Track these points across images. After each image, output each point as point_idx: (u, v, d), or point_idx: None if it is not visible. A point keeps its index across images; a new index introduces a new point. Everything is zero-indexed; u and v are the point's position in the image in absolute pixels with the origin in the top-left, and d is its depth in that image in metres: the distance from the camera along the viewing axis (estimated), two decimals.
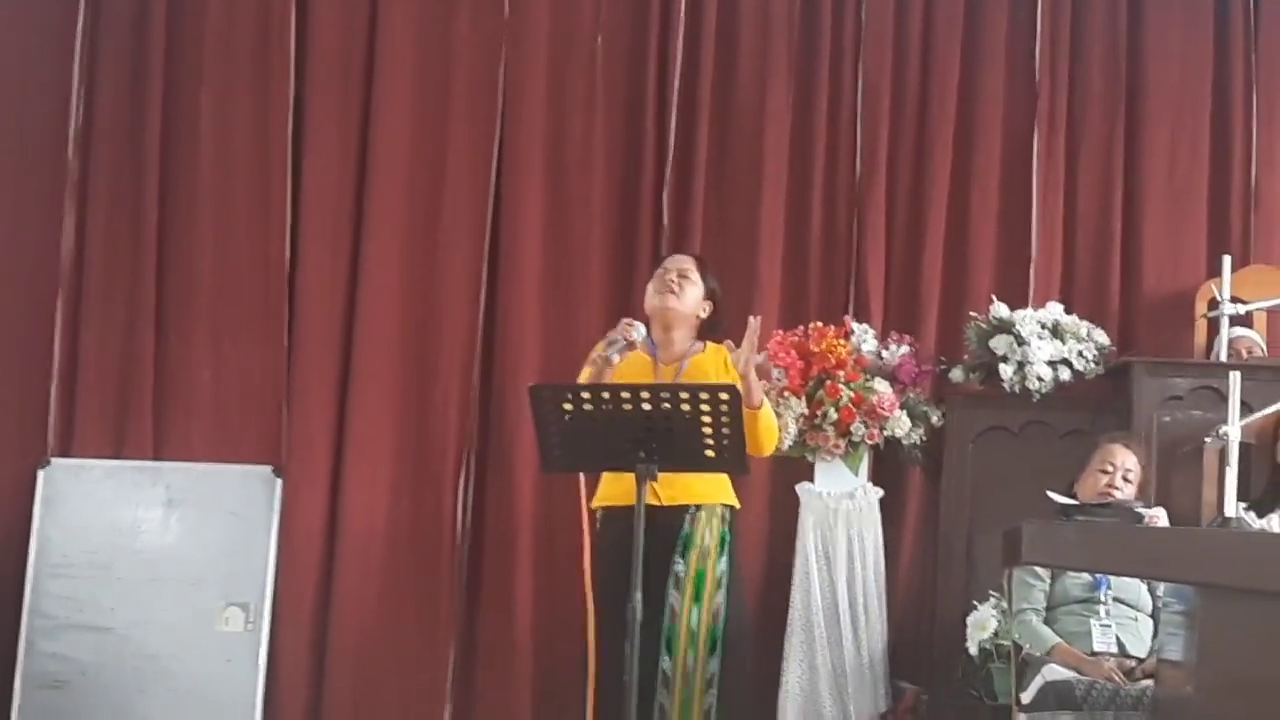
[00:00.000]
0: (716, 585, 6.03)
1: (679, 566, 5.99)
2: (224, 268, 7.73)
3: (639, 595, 5.37)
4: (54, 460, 7.50)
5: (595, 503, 6.14)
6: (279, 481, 7.48)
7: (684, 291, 6.27)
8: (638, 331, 6.01)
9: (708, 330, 6.36)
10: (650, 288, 6.35)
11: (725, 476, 6.11)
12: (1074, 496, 6.16)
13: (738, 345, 6.01)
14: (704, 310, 6.34)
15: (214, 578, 7.37)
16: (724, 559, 6.07)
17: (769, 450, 6.24)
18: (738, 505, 6.22)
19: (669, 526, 5.95)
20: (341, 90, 7.81)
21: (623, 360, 5.96)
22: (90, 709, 7.26)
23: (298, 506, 7.55)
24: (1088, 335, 7.29)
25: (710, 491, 6.09)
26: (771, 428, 6.18)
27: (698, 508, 6.06)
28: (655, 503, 5.61)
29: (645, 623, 5.41)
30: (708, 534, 6.05)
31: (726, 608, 6.05)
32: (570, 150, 7.83)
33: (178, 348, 7.68)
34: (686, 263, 6.38)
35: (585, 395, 5.48)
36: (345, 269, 7.73)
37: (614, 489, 6.02)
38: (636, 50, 7.89)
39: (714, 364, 6.20)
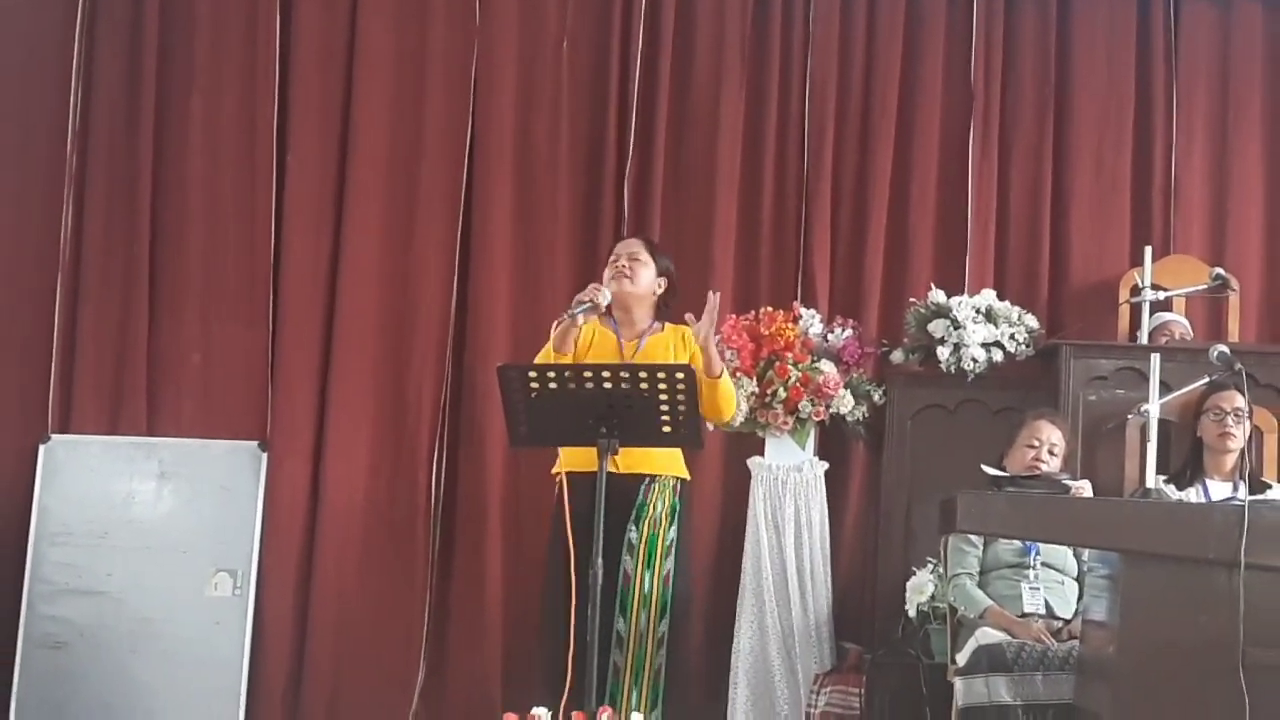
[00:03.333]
0: (667, 552, 6.03)
1: (632, 534, 5.99)
2: (213, 256, 7.70)
3: (600, 561, 5.36)
4: (54, 436, 7.49)
5: (556, 468, 6.09)
6: (264, 455, 7.48)
7: (636, 274, 6.25)
8: (604, 296, 5.99)
9: (664, 305, 6.35)
10: (605, 274, 6.31)
11: (678, 451, 6.09)
12: (1004, 469, 6.12)
13: (697, 318, 6.00)
14: (659, 287, 6.32)
15: (204, 546, 7.37)
16: (674, 528, 6.06)
17: (729, 415, 6.26)
18: (688, 478, 6.22)
19: (624, 495, 5.93)
20: (323, 91, 7.76)
21: (586, 321, 5.94)
22: (87, 668, 7.26)
23: (282, 479, 7.54)
24: (1019, 319, 7.27)
25: (663, 464, 6.08)
26: (730, 395, 6.18)
27: (652, 479, 6.05)
28: (613, 470, 5.57)
29: (601, 586, 5.38)
30: (660, 504, 6.05)
31: (676, 573, 6.04)
32: (537, 146, 7.79)
33: (169, 331, 7.66)
34: (636, 245, 6.36)
35: (550, 375, 5.47)
36: (326, 257, 7.69)
37: (574, 456, 5.96)
38: (599, 54, 7.84)
39: (671, 342, 6.21)
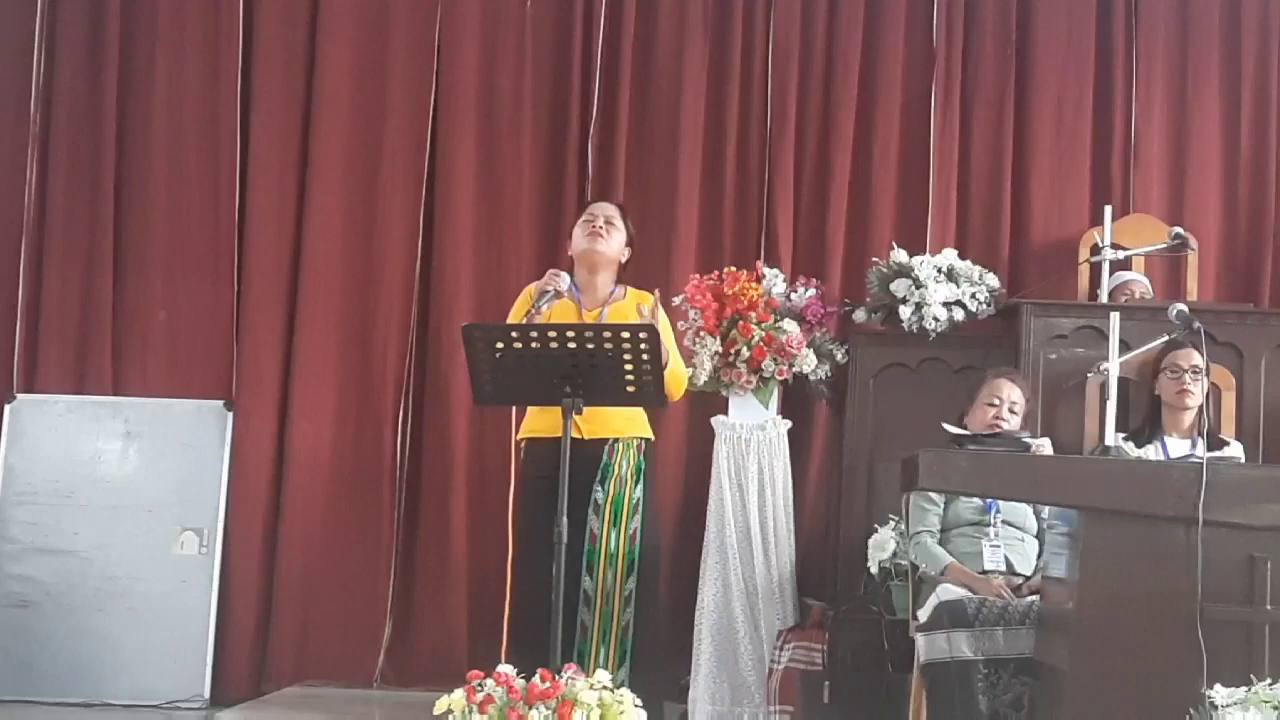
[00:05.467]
0: (633, 511, 6.05)
1: (598, 494, 6.02)
2: (178, 215, 7.72)
3: (565, 520, 5.34)
4: (19, 396, 7.52)
5: (520, 434, 6.14)
6: (230, 415, 7.52)
7: (610, 236, 6.26)
8: (563, 281, 5.99)
9: (622, 271, 6.37)
10: (577, 231, 6.32)
11: (641, 412, 6.13)
12: (965, 427, 6.13)
13: (649, 289, 6.05)
14: (625, 255, 6.34)
15: (170, 505, 7.41)
16: (639, 487, 6.09)
17: (676, 397, 6.25)
18: (652, 438, 6.25)
19: (589, 457, 5.96)
20: (287, 50, 7.76)
21: (550, 310, 5.94)
22: (54, 627, 7.29)
23: (248, 438, 7.57)
24: (980, 279, 7.23)
25: (627, 426, 6.11)
26: (679, 382, 6.19)
27: (615, 440, 6.07)
28: (577, 435, 5.59)
29: (567, 546, 5.37)
30: (625, 464, 6.07)
31: (642, 531, 6.07)
32: (501, 107, 7.78)
33: (135, 290, 7.68)
34: (612, 210, 6.37)
35: (515, 334, 5.43)
36: (291, 216, 7.71)
37: (539, 422, 6.03)
38: (563, 14, 7.82)
39: (633, 309, 6.19)
